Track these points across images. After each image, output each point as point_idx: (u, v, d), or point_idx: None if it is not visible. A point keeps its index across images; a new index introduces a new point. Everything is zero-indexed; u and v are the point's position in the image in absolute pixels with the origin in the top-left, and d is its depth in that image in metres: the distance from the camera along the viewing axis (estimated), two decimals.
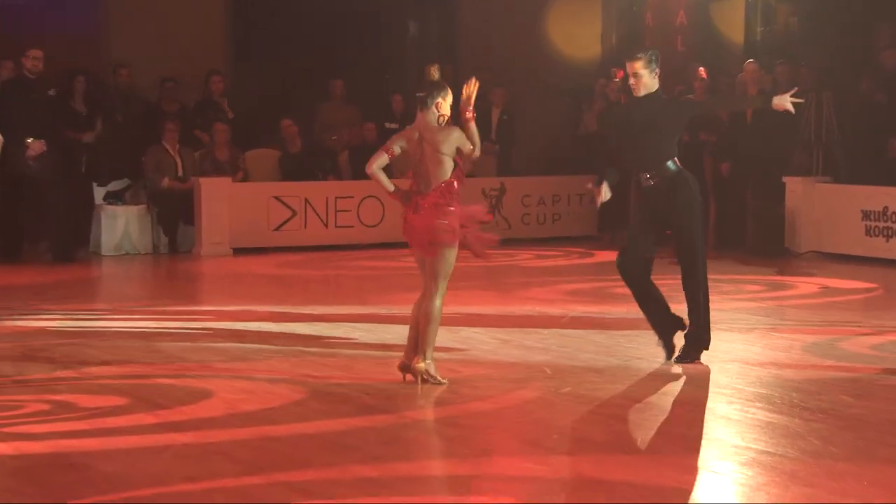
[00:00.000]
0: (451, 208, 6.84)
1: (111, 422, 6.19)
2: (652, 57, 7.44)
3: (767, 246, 13.25)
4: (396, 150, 6.99)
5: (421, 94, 6.97)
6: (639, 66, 7.38)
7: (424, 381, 6.83)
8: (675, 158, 7.47)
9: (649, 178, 7.48)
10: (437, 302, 6.82)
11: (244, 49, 16.30)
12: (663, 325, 7.61)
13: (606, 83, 15.40)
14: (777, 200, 13.41)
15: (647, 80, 7.40)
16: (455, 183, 6.89)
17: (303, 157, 14.47)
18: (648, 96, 7.44)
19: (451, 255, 6.85)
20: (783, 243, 13.32)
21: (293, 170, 14.34)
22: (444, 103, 6.96)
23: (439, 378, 6.88)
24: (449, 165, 6.93)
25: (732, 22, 16.13)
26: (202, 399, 6.66)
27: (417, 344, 6.89)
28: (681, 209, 7.44)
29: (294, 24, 16.50)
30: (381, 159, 6.97)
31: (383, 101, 15.64)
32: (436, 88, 6.97)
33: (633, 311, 9.65)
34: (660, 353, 7.86)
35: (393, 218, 14.16)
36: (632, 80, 7.46)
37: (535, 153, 16.42)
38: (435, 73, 6.97)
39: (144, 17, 15.35)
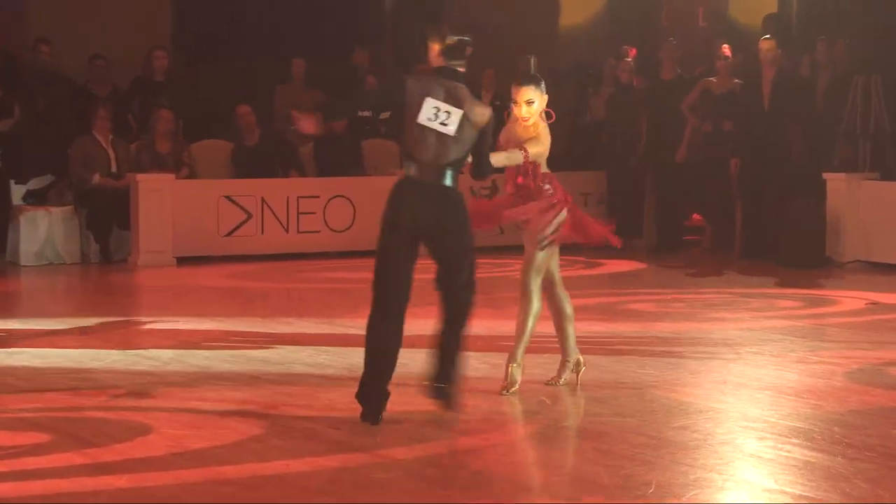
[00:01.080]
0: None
1: (31, 462, 6.17)
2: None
3: (805, 254, 13.30)
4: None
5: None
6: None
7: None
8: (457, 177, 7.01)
9: (427, 173, 6.94)
10: None
11: (189, 21, 16.30)
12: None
13: (617, 63, 15.46)
14: (816, 200, 13.46)
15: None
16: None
17: (260, 150, 14.45)
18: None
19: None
20: (824, 251, 13.38)
21: (249, 165, 14.33)
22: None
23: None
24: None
25: None
26: (140, 435, 6.65)
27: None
28: (457, 225, 6.98)
29: None
30: None
31: (355, 84, 15.65)
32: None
33: (649, 330, 9.69)
34: (679, 380, 7.88)
35: (364, 221, 14.21)
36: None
37: None
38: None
39: None
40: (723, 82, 14.30)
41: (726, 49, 14.42)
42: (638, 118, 14.99)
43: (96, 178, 13.76)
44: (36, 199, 13.83)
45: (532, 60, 7.66)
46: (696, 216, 15.43)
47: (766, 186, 13.78)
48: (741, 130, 13.89)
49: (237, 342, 9.29)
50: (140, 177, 13.65)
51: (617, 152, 15.09)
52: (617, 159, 15.08)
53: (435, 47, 7.11)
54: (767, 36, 14.11)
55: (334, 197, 14.28)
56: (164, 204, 13.60)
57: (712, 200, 14.60)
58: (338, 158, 14.69)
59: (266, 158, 14.47)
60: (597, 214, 14.88)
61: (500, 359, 7.80)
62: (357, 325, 9.91)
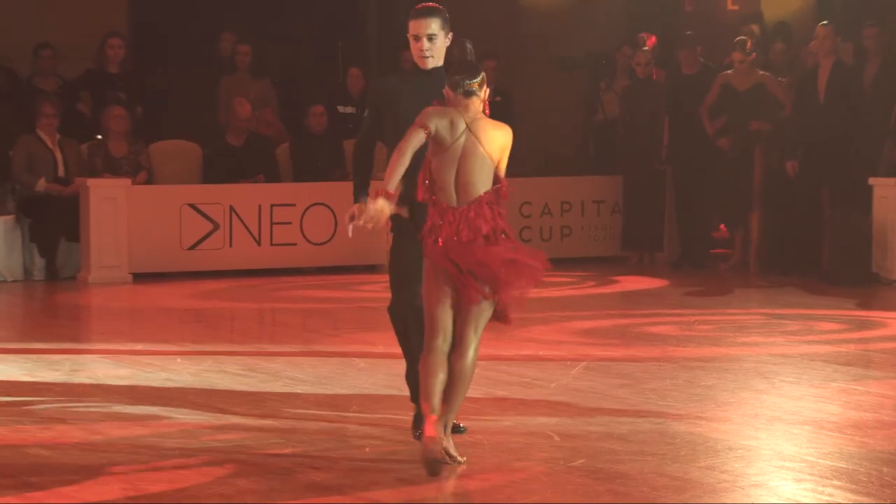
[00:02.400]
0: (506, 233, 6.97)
1: None
2: (447, 15, 7.05)
3: (848, 270, 13.30)
4: (433, 128, 6.73)
5: (459, 77, 6.77)
6: (435, 25, 7.02)
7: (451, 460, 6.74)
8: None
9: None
10: (474, 354, 6.77)
11: (149, 4, 16.32)
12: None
13: (632, 53, 15.49)
14: (861, 209, 13.46)
15: (441, 45, 7.07)
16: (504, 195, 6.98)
17: (246, 151, 14.34)
18: (436, 73, 7.06)
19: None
20: (869, 266, 13.38)
21: (228, 168, 14.21)
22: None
23: (458, 457, 6.80)
24: (491, 174, 7.00)
25: None
26: (90, 476, 6.63)
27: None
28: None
29: None
30: (417, 138, 6.71)
31: (336, 78, 15.66)
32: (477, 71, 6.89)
33: (670, 357, 9.68)
34: (705, 413, 7.88)
35: (346, 233, 14.16)
36: (424, 45, 7.03)
37: (539, 146, 16.47)
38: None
39: None
40: (745, 76, 14.20)
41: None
42: (659, 115, 14.99)
43: (41, 184, 13.74)
44: None
45: (468, 45, 7.31)
46: (724, 227, 15.44)
47: (822, 193, 13.76)
48: (786, 130, 13.86)
49: (202, 371, 9.27)
50: (91, 182, 13.64)
51: (635, 154, 15.09)
52: (635, 162, 15.09)
53: None
54: (825, 22, 14.00)
55: (313, 205, 14.27)
56: (118, 213, 13.59)
57: (734, 208, 14.57)
58: (316, 160, 14.67)
59: (249, 161, 14.34)
60: (613, 223, 14.94)
61: (501, 388, 7.77)
62: (339, 350, 9.93)
